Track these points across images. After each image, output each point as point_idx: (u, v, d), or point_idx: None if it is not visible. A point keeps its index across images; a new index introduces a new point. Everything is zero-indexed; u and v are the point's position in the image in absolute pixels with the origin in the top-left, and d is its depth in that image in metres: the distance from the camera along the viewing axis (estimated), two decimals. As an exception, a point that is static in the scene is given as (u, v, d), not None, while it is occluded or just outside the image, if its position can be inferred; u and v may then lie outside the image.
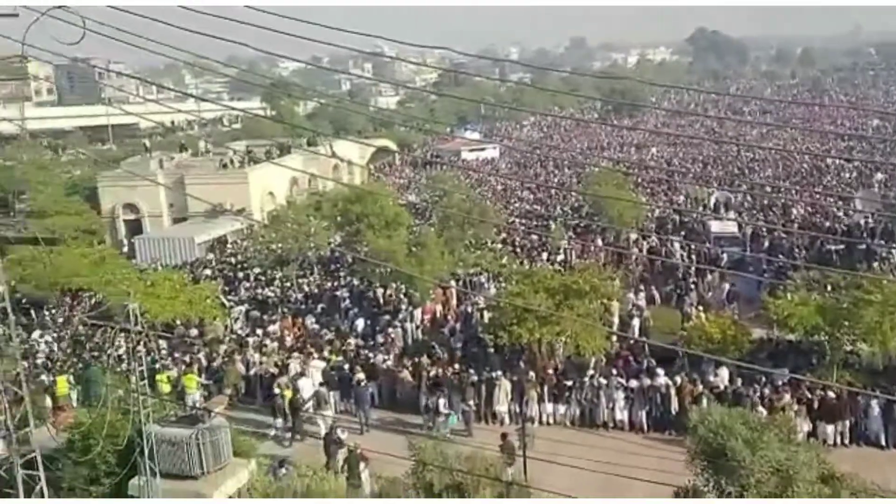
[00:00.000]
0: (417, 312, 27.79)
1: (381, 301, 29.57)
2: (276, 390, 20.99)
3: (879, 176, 47.74)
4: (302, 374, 21.73)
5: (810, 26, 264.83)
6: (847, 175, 49.67)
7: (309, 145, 54.07)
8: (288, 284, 32.56)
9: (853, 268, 27.44)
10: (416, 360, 22.72)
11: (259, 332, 26.78)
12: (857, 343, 20.89)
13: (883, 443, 18.99)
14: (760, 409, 17.89)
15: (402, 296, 29.21)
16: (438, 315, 28.28)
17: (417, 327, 27.14)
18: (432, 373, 21.60)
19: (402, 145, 75.31)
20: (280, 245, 35.28)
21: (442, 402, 20.15)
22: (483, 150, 69.54)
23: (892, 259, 30.34)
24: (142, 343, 15.33)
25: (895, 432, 19.01)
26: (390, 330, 25.86)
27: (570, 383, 20.73)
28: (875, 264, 29.39)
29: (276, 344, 25.23)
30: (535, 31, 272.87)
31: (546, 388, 20.72)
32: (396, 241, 30.22)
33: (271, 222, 39.25)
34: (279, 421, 20.78)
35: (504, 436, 17.90)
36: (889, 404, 18.74)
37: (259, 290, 32.21)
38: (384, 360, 22.97)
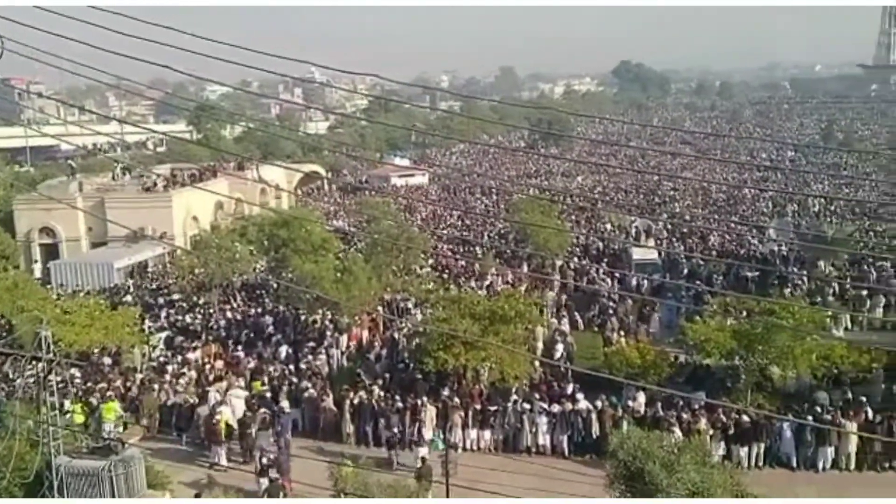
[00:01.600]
0: (343, 339, 27.59)
1: (307, 327, 29.28)
2: (217, 417, 20.45)
3: (793, 206, 49.82)
4: (223, 403, 21.30)
5: (729, 61, 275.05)
6: (762, 205, 51.62)
7: (237, 170, 53.39)
8: (211, 311, 31.93)
9: (767, 294, 28.43)
10: (341, 387, 22.55)
11: (179, 359, 26.13)
12: (769, 367, 21.57)
13: (794, 464, 19.61)
14: (678, 432, 18.28)
15: (328, 322, 28.97)
16: (365, 341, 28.13)
17: (343, 354, 26.92)
18: (356, 400, 21.43)
19: (332, 171, 75.07)
20: (203, 270, 34.57)
21: (425, 429, 20.12)
22: (412, 175, 69.98)
23: (803, 286, 31.48)
24: (53, 372, 14.81)
25: (806, 454, 19.66)
26: (311, 357, 25.59)
27: (494, 409, 20.83)
28: (787, 290, 30.46)
29: (193, 373, 24.64)
30: (467, 61, 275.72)
31: (470, 414, 20.77)
32: (323, 266, 29.96)
33: (194, 247, 38.48)
34: (217, 448, 20.26)
35: (423, 460, 17.91)
36: (800, 427, 19.40)
37: (180, 317, 31.48)
38: (307, 388, 22.67)
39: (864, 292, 30.19)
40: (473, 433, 20.72)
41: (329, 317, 29.17)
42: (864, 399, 20.71)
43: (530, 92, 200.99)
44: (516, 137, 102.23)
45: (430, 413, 20.68)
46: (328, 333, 27.84)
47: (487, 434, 20.76)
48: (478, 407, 20.91)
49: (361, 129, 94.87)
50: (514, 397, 21.31)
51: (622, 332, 27.00)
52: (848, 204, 48.71)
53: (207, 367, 25.42)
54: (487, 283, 33.80)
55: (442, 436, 20.25)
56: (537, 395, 21.40)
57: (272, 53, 11.49)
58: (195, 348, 27.02)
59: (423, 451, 19.25)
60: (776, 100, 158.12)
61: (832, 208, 49.19)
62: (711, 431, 19.23)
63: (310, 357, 25.58)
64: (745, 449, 19.44)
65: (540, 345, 26.13)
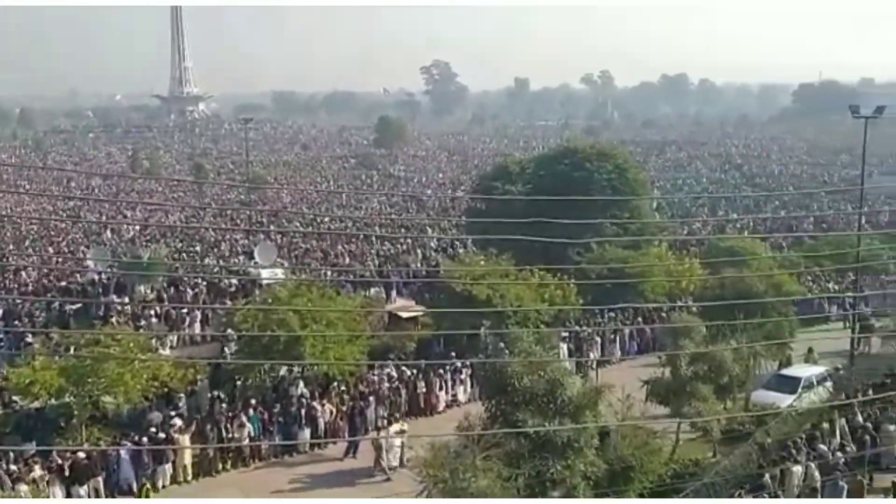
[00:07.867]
0: None
1: None
2: None
3: (109, 234, 50.23)
4: None
5: (26, 88, 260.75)
6: (76, 235, 50.56)
7: None
8: None
9: (92, 324, 28.16)
10: None
11: None
12: (102, 397, 21.39)
13: (135, 490, 19.96)
14: (19, 487, 16.98)
15: None
16: None
17: None
18: None
19: None
20: None
21: None
22: None
23: (127, 311, 31.95)
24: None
25: (145, 475, 20.16)
26: None
27: None
28: (113, 318, 30.52)
29: None
30: None
31: None
32: None
33: None
34: None
35: None
36: (137, 452, 19.81)
37: None
38: None
39: (185, 310, 32.21)
40: None
41: None
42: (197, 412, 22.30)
43: None
44: None
45: None
46: None
47: None
48: None
49: None
50: None
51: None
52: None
53: None
54: None
55: None
56: None
57: None
58: None
59: None
60: (81, 128, 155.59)
61: (146, 233, 50.77)
62: (48, 477, 18.36)
63: None
64: (84, 487, 19.08)
65: None
